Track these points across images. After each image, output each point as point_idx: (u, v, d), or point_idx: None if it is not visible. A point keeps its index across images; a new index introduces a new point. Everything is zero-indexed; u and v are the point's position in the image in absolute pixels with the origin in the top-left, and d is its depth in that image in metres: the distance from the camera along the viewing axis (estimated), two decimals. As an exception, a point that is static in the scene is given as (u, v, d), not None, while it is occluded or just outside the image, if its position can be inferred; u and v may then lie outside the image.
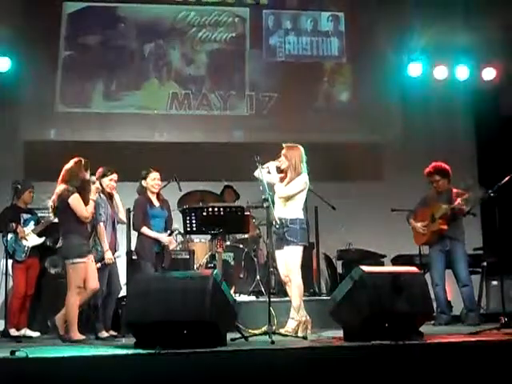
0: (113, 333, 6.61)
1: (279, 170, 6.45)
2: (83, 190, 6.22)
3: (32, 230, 7.29)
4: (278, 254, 6.38)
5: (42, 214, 7.45)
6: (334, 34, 10.02)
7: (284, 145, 6.47)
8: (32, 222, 7.35)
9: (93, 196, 6.28)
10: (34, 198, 7.51)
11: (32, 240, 7.28)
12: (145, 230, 6.83)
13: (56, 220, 6.64)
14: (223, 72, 9.80)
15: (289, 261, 6.28)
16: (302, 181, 6.37)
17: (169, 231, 7.04)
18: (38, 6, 8.80)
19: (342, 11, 10.03)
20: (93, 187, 6.33)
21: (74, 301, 6.14)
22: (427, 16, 9.10)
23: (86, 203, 6.23)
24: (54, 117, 8.80)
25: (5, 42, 8.64)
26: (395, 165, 9.65)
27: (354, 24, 9.91)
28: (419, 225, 7.43)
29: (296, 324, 6.20)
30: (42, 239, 7.32)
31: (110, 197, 6.81)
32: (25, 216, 7.36)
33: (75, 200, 6.16)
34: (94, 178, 6.40)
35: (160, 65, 9.64)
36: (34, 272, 7.36)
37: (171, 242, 7.09)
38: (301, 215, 6.37)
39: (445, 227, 7.29)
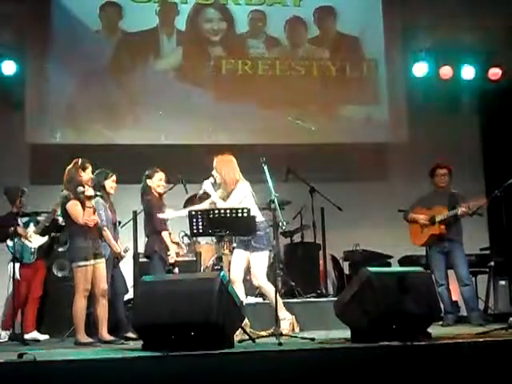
0: (132, 335, 6.56)
1: (218, 185, 6.45)
2: (79, 196, 6.22)
3: (33, 232, 7.27)
4: (237, 253, 6.40)
5: (41, 218, 7.41)
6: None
7: (215, 158, 6.45)
8: (31, 224, 7.32)
9: (88, 204, 6.24)
10: (39, 201, 7.50)
11: (36, 241, 7.26)
12: (166, 234, 6.83)
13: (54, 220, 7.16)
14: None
15: (256, 267, 6.31)
16: (241, 190, 6.35)
17: (177, 250, 7.01)
18: (43, 8, 8.79)
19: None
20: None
21: (80, 304, 6.14)
22: (432, 15, 9.07)
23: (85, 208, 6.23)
24: (59, 119, 8.78)
25: (10, 45, 8.65)
26: (401, 165, 9.62)
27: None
28: (422, 216, 7.40)
29: (290, 323, 6.23)
30: (46, 238, 7.31)
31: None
32: (23, 219, 7.31)
33: (71, 206, 6.20)
34: (81, 189, 6.24)
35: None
36: (42, 274, 7.35)
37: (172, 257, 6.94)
38: (260, 218, 6.36)
39: (444, 231, 7.28)
